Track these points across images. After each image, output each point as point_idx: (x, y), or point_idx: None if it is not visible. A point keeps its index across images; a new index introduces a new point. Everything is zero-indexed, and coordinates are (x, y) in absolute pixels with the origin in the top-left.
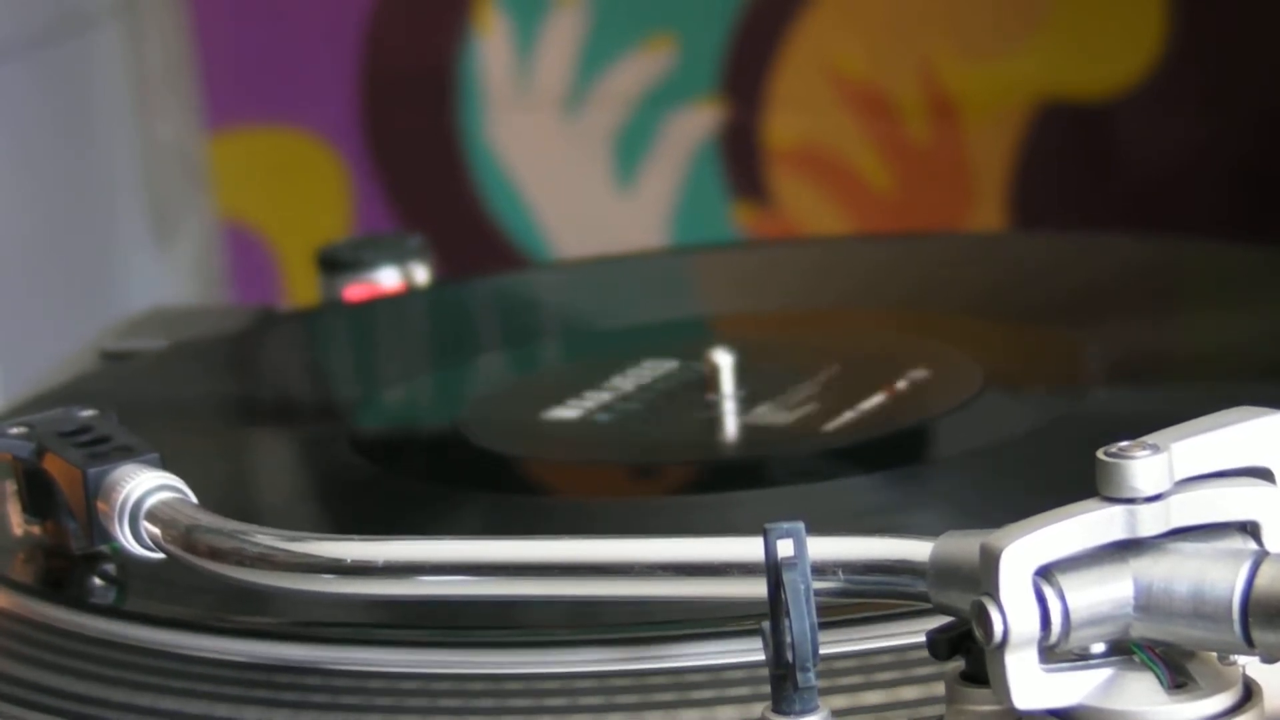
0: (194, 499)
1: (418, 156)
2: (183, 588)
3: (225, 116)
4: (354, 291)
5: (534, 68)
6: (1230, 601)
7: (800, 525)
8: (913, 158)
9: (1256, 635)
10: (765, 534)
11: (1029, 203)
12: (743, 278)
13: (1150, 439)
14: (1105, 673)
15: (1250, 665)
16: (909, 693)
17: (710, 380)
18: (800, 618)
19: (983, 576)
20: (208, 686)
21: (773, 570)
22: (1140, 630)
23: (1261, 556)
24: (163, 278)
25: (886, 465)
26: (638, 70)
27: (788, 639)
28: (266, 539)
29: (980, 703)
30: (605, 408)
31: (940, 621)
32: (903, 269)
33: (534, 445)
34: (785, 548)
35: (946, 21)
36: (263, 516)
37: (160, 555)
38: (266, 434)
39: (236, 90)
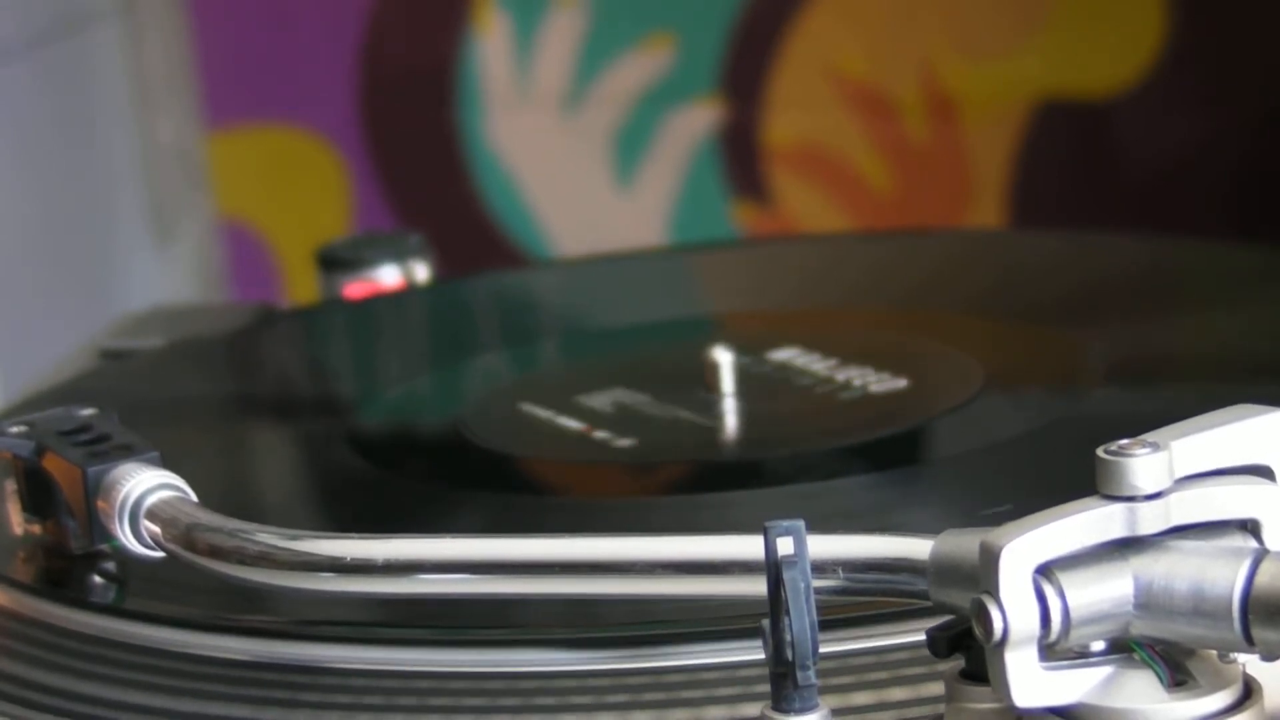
0: (194, 497)
1: (417, 155)
2: (183, 586)
3: (225, 116)
4: (354, 290)
5: (534, 67)
6: (1230, 599)
7: (800, 523)
8: (912, 157)
9: (1256, 633)
10: (765, 532)
11: (1028, 202)
12: (742, 276)
13: (1150, 437)
14: (1105, 670)
15: (1250, 663)
16: (901, 693)
17: (709, 378)
18: (800, 616)
19: (982, 574)
20: (208, 685)
21: (773, 568)
22: (1140, 628)
23: (1261, 554)
24: (162, 276)
25: (886, 464)
26: (637, 69)
27: (788, 637)
28: (266, 537)
29: (980, 700)
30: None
31: (940, 620)
32: (902, 268)
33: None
34: (785, 546)
35: (946, 20)
36: (263, 515)
37: (160, 554)
38: (266, 432)
39: (236, 89)
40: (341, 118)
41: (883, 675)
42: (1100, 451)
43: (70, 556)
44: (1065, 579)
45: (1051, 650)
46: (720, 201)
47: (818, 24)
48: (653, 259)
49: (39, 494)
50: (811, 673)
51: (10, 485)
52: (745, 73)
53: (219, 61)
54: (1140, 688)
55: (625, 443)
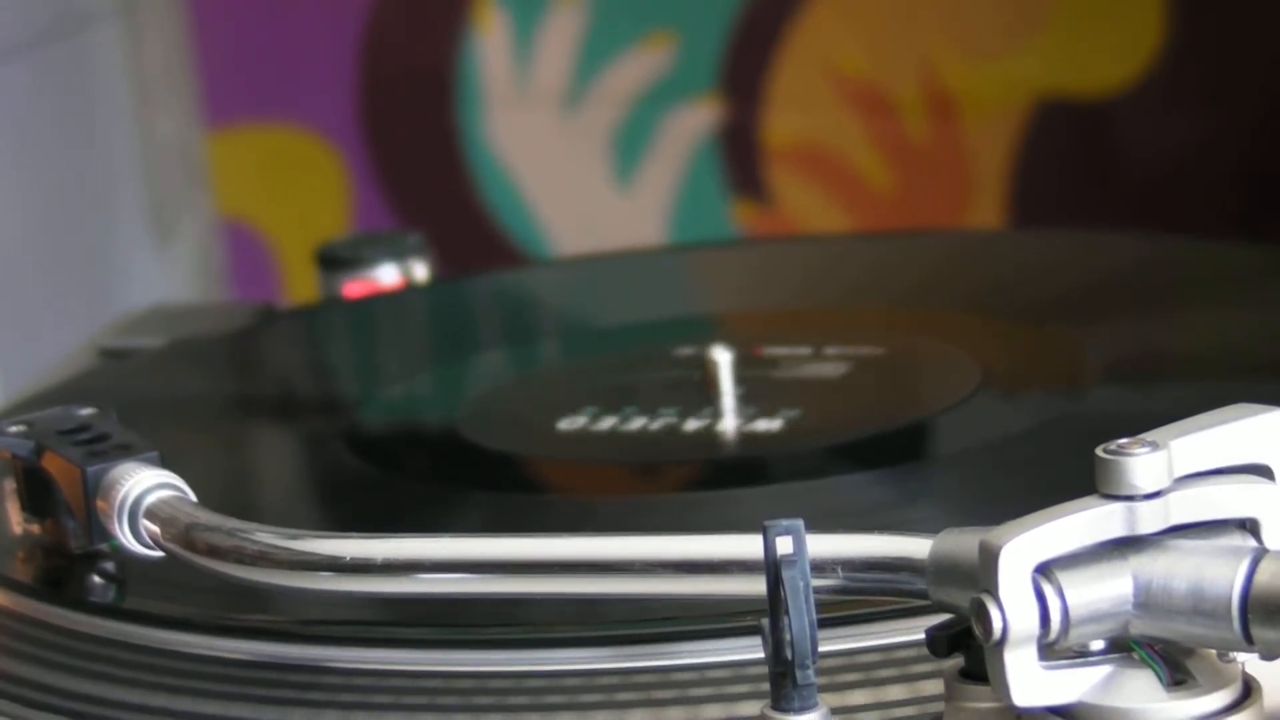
0: (193, 497)
1: (417, 154)
2: (182, 586)
3: (225, 114)
4: (353, 289)
5: (533, 65)
6: (1229, 598)
7: (799, 523)
8: (912, 156)
9: (1256, 632)
10: (764, 531)
11: (1028, 201)
12: (742, 275)
13: (1149, 436)
14: (1104, 670)
15: (1249, 662)
16: (900, 692)
17: (709, 378)
18: (799, 615)
19: (982, 574)
20: (207, 684)
21: (772, 568)
22: (1139, 627)
23: (1261, 553)
24: (162, 275)
25: (885, 463)
26: (637, 68)
27: (787, 636)
28: (265, 537)
29: (979, 700)
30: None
31: (940, 619)
32: (902, 267)
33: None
34: (784, 545)
35: (946, 19)
36: (262, 514)
37: (159, 553)
38: (265, 432)
39: (236, 88)
40: (341, 117)
41: (882, 674)
42: (1099, 451)
43: (69, 556)
44: (1064, 578)
45: (1051, 649)
46: (720, 201)
47: (818, 23)
48: (652, 258)
49: (38, 493)
50: (811, 672)
51: (9, 485)
52: (745, 72)
53: (219, 61)
54: (1139, 687)
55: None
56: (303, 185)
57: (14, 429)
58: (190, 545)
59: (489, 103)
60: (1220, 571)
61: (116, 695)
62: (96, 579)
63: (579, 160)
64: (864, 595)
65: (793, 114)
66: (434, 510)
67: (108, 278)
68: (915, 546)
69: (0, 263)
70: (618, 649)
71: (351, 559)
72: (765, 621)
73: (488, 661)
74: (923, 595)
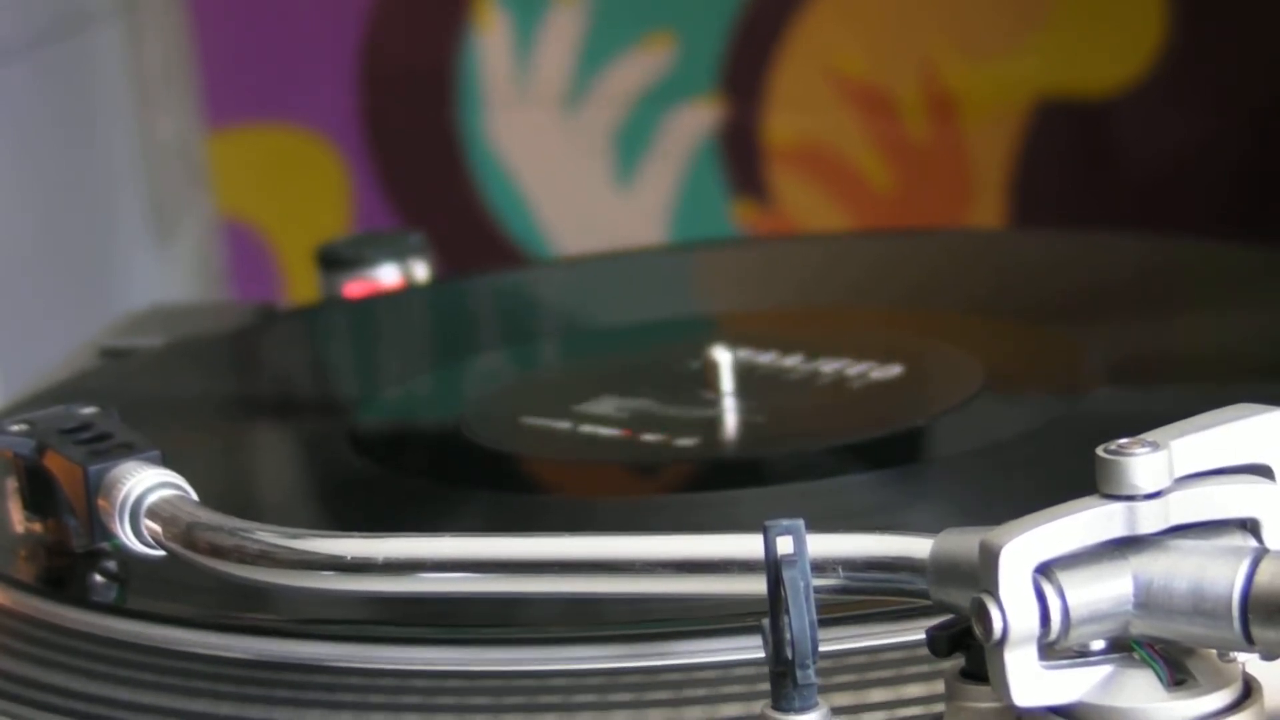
0: (195, 496)
1: (417, 154)
2: (183, 585)
3: (225, 114)
4: (354, 289)
5: (534, 65)
6: (1230, 598)
7: (800, 522)
8: (912, 156)
9: (1256, 632)
10: (765, 531)
11: (1029, 201)
12: (742, 275)
13: (1149, 436)
14: (1105, 670)
15: (1250, 662)
16: (910, 690)
17: (709, 377)
18: (800, 615)
19: (982, 574)
20: (208, 684)
21: (772, 567)
22: (1140, 627)
23: (1261, 553)
24: (163, 275)
25: (886, 463)
26: (637, 68)
27: (787, 636)
28: (267, 536)
29: (980, 700)
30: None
31: (940, 619)
32: (902, 267)
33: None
34: (785, 545)
35: (946, 19)
36: (263, 514)
37: (161, 553)
38: (267, 431)
39: (236, 88)
40: (341, 117)
41: (882, 674)
42: (1100, 451)
43: (71, 555)
44: (1065, 578)
45: (1051, 649)
46: (720, 200)
47: (818, 23)
48: (652, 258)
49: (40, 492)
50: (811, 671)
51: (11, 484)
52: (745, 72)
53: (219, 61)
54: (1140, 687)
55: (625, 442)
56: (303, 185)
57: (16, 428)
58: (192, 544)
59: (489, 103)
60: (1220, 571)
61: (118, 695)
62: (98, 578)
63: (579, 160)
64: (865, 595)
65: (793, 114)
66: (435, 510)
67: (108, 278)
68: (916, 546)
69: (0, 263)
70: (618, 648)
71: (353, 558)
72: (766, 621)
73: (488, 661)
74: (923, 595)
